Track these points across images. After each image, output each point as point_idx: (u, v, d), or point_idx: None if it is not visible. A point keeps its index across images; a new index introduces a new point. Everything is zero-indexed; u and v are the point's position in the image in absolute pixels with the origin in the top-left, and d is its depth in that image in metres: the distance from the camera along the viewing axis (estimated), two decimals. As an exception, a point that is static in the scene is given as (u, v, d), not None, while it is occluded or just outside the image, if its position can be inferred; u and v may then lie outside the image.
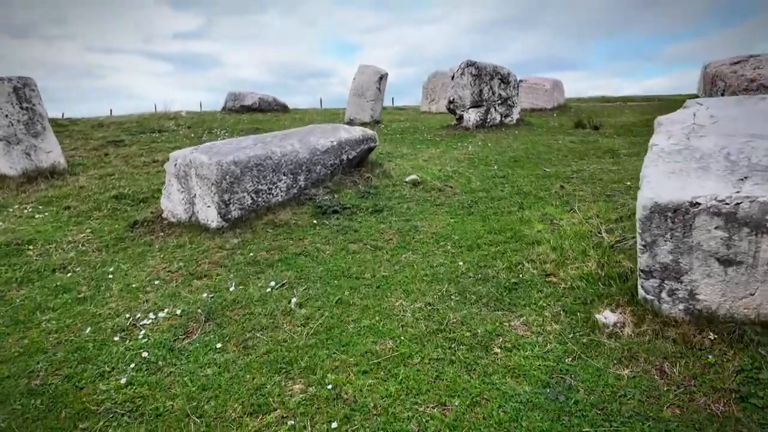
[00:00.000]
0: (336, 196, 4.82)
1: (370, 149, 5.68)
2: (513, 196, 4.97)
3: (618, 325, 2.50)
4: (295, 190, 4.71)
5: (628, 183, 5.18)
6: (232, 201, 4.15)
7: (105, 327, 2.88)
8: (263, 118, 13.77)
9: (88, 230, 4.58)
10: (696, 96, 15.26)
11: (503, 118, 10.33)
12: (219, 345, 2.61)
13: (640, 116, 12.49)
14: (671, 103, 14.53)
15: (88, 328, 2.87)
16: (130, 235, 4.38)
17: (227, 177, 4.09)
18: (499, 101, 10.11)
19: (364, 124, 12.76)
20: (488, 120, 9.89)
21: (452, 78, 9.78)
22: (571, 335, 2.50)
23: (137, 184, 6.15)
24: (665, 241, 2.34)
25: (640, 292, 2.52)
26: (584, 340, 2.44)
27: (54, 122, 11.43)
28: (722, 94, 10.33)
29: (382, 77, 12.21)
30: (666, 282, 2.39)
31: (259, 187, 4.36)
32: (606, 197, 4.75)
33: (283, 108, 16.30)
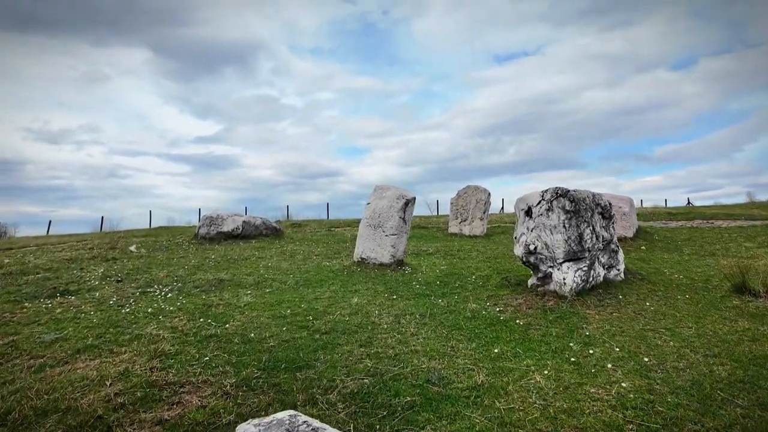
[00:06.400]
0: None
1: None
2: None
3: None
4: None
5: None
6: None
7: None
8: (242, 252, 10.06)
9: None
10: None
11: (607, 272, 6.46)
12: None
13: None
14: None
15: None
16: None
17: None
18: (602, 247, 6.31)
19: (381, 266, 9.00)
20: (590, 279, 6.00)
21: (527, 213, 6.08)
22: None
23: None
24: None
25: None
26: None
27: None
28: None
29: (408, 203, 8.64)
30: None
31: None
32: None
33: (275, 232, 12.74)
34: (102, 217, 29.02)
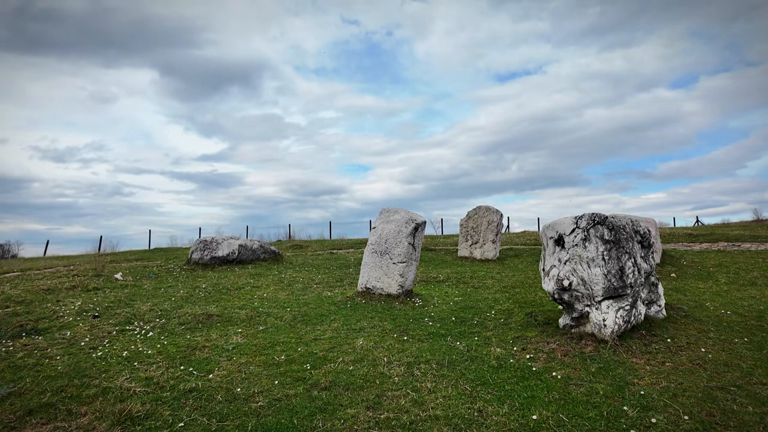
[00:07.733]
0: None
1: None
2: None
3: None
4: None
5: None
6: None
7: None
8: (236, 280, 9.29)
9: None
10: None
11: (648, 308, 5.65)
12: None
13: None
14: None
15: None
16: None
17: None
18: (643, 280, 5.52)
19: (388, 297, 8.21)
20: (632, 319, 5.19)
21: (557, 242, 5.32)
22: None
23: None
24: None
25: None
26: None
27: None
28: None
29: (418, 227, 7.90)
30: None
31: None
32: None
33: (273, 256, 11.98)
34: (101, 237, 28.36)
